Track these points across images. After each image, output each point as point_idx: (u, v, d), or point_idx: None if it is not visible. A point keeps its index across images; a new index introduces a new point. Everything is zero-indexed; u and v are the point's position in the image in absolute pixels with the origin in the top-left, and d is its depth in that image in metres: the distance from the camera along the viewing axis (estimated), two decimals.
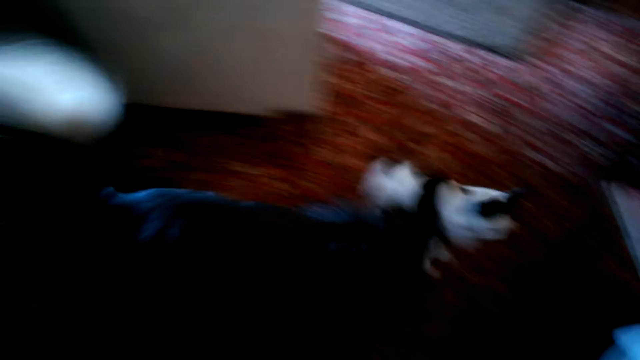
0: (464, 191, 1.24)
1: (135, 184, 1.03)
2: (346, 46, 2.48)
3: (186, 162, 1.75)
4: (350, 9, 2.75)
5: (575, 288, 1.52)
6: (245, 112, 1.78)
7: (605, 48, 2.69)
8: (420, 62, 2.42)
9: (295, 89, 1.69)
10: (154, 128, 1.83)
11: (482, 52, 2.53)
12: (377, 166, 1.45)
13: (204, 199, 1.03)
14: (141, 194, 1.00)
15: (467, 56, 2.50)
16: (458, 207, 1.22)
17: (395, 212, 1.25)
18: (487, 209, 1.20)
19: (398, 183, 1.37)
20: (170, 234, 0.94)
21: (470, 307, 1.44)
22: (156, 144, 1.80)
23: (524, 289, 1.50)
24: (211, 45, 1.55)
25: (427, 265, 1.21)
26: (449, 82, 2.32)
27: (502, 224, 1.23)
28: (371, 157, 1.86)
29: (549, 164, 1.95)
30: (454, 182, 1.25)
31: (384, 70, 2.34)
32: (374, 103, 2.12)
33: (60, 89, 0.87)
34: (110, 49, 1.49)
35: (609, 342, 0.98)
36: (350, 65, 2.34)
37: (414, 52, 2.48)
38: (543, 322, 1.44)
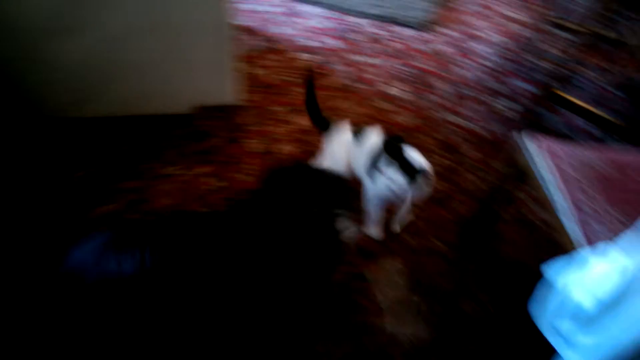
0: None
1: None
2: (261, 34, 2.47)
3: (115, 171, 1.68)
4: None
5: (506, 234, 1.65)
6: (169, 112, 1.73)
7: (503, 9, 2.87)
8: (337, 43, 2.46)
9: (215, 83, 1.67)
10: (77, 142, 1.74)
11: (395, 28, 2.62)
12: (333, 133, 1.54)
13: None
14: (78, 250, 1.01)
15: (381, 32, 2.58)
16: (387, 169, 1.35)
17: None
18: (408, 170, 1.32)
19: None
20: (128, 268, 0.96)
21: (415, 270, 1.52)
22: (82, 159, 1.70)
23: (461, 244, 1.60)
24: (116, 46, 1.48)
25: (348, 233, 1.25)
26: (366, 59, 2.38)
27: (425, 183, 1.37)
28: (301, 142, 1.88)
29: (467, 124, 2.08)
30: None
31: (301, 55, 2.36)
32: (296, 87, 2.14)
33: None
34: (6, 64, 1.39)
35: (540, 277, 1.08)
36: (268, 53, 2.34)
37: (329, 34, 2.52)
38: (484, 272, 1.54)
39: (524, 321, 1.41)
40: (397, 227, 1.63)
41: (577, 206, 1.05)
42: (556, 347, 0.97)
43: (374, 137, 1.49)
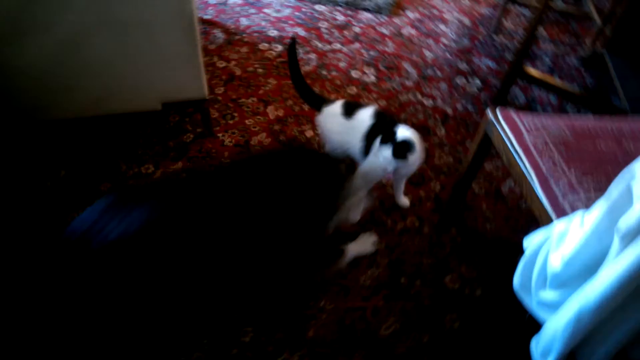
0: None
1: None
2: (228, 27, 2.44)
3: (90, 174, 1.65)
4: None
5: (481, 209, 1.71)
6: (141, 110, 1.70)
7: None
8: (303, 32, 2.47)
9: (185, 78, 1.64)
10: (47, 145, 1.70)
11: (359, 14, 2.64)
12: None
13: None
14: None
15: (346, 19, 2.59)
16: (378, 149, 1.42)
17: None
18: (400, 148, 1.39)
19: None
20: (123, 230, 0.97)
21: (397, 249, 1.57)
22: (54, 163, 1.67)
23: (439, 222, 1.66)
24: (77, 47, 1.44)
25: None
26: (333, 46, 2.40)
27: (414, 159, 1.43)
28: (275, 132, 1.89)
29: (436, 104, 2.13)
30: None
31: (269, 45, 2.35)
32: (266, 78, 2.14)
33: None
34: None
35: (519, 249, 1.14)
36: (236, 45, 2.32)
37: (296, 23, 2.52)
38: (464, 248, 1.61)
39: (508, 294, 1.49)
40: (405, 201, 1.69)
41: (543, 172, 1.11)
42: (540, 318, 1.02)
43: (366, 115, 1.51)
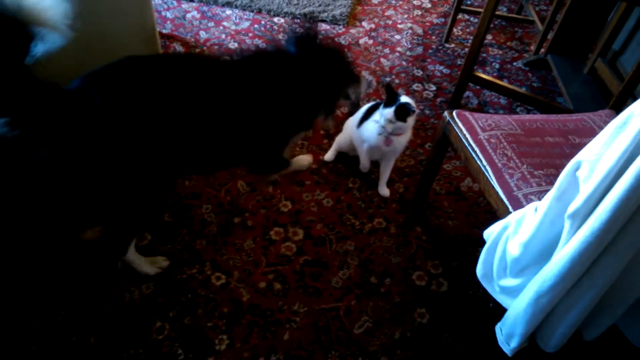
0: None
1: None
2: (188, 40, 2.45)
3: None
4: (180, 3, 2.71)
5: (443, 207, 1.79)
6: None
7: None
8: (260, 43, 2.50)
9: None
10: None
11: (318, 25, 2.70)
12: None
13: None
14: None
15: None
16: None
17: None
18: (402, 110, 1.59)
19: None
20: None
21: (365, 250, 1.61)
22: None
23: (405, 221, 1.72)
24: (39, 61, 1.43)
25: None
26: None
27: (411, 121, 1.65)
28: None
29: None
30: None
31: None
32: None
33: None
34: None
35: (480, 242, 1.20)
36: None
37: (256, 35, 2.55)
38: (429, 245, 1.67)
39: (472, 285, 1.55)
40: (385, 191, 1.81)
41: (498, 167, 1.19)
42: (503, 304, 1.08)
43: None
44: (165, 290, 1.43)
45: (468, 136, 1.27)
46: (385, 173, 1.80)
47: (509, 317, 1.03)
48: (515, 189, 1.13)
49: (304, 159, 1.83)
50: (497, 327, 1.07)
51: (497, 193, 1.15)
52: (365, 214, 1.72)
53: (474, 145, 1.25)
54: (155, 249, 1.53)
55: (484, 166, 1.20)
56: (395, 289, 1.50)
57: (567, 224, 0.87)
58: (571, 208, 0.83)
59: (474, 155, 1.24)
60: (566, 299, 0.91)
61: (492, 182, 1.17)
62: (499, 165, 1.18)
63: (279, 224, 1.65)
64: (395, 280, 1.53)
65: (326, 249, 1.59)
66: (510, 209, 1.10)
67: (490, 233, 1.12)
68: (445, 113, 1.36)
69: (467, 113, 1.33)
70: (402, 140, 1.71)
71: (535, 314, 0.94)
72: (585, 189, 0.81)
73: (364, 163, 1.82)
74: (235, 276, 1.48)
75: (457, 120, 1.32)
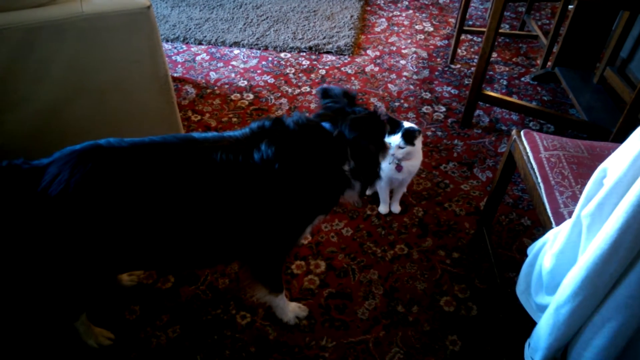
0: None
1: None
2: (199, 82, 2.51)
3: None
4: (189, 47, 2.79)
5: (477, 221, 1.76)
6: None
7: (413, 24, 3.10)
8: (271, 79, 2.55)
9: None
10: None
11: (322, 57, 2.75)
12: None
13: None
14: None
15: (309, 63, 2.70)
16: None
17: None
18: (409, 134, 1.61)
19: None
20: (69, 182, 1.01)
21: (389, 277, 1.59)
22: None
23: (472, 241, 1.70)
24: (58, 113, 1.48)
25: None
26: (301, 89, 2.49)
27: (418, 143, 1.67)
28: None
29: None
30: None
31: (237, 95, 2.42)
32: (238, 126, 2.19)
33: None
34: None
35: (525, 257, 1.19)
36: (209, 98, 2.38)
37: (264, 72, 2.61)
38: (457, 269, 1.64)
39: (504, 309, 1.51)
40: (397, 208, 1.82)
41: (550, 183, 1.20)
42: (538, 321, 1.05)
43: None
44: (192, 332, 1.42)
45: (530, 153, 1.29)
46: (398, 195, 1.82)
47: (535, 332, 1.00)
48: (562, 206, 1.14)
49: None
50: (526, 343, 1.05)
51: (545, 209, 1.16)
52: (386, 240, 1.71)
53: (533, 162, 1.27)
54: (178, 290, 1.53)
55: (538, 182, 1.22)
56: (424, 317, 1.47)
57: (584, 225, 0.86)
58: (586, 211, 0.83)
59: (531, 171, 1.26)
60: (591, 319, 0.87)
61: (542, 197, 1.18)
62: (552, 182, 1.20)
63: (299, 257, 1.65)
64: (423, 308, 1.50)
65: (349, 280, 1.57)
66: (554, 224, 1.10)
67: (531, 248, 1.12)
68: (513, 132, 1.39)
69: (534, 133, 1.36)
70: (414, 164, 1.71)
71: (556, 325, 0.91)
72: (600, 193, 0.81)
73: (383, 200, 1.81)
74: (260, 314, 1.47)
75: (523, 138, 1.35)
